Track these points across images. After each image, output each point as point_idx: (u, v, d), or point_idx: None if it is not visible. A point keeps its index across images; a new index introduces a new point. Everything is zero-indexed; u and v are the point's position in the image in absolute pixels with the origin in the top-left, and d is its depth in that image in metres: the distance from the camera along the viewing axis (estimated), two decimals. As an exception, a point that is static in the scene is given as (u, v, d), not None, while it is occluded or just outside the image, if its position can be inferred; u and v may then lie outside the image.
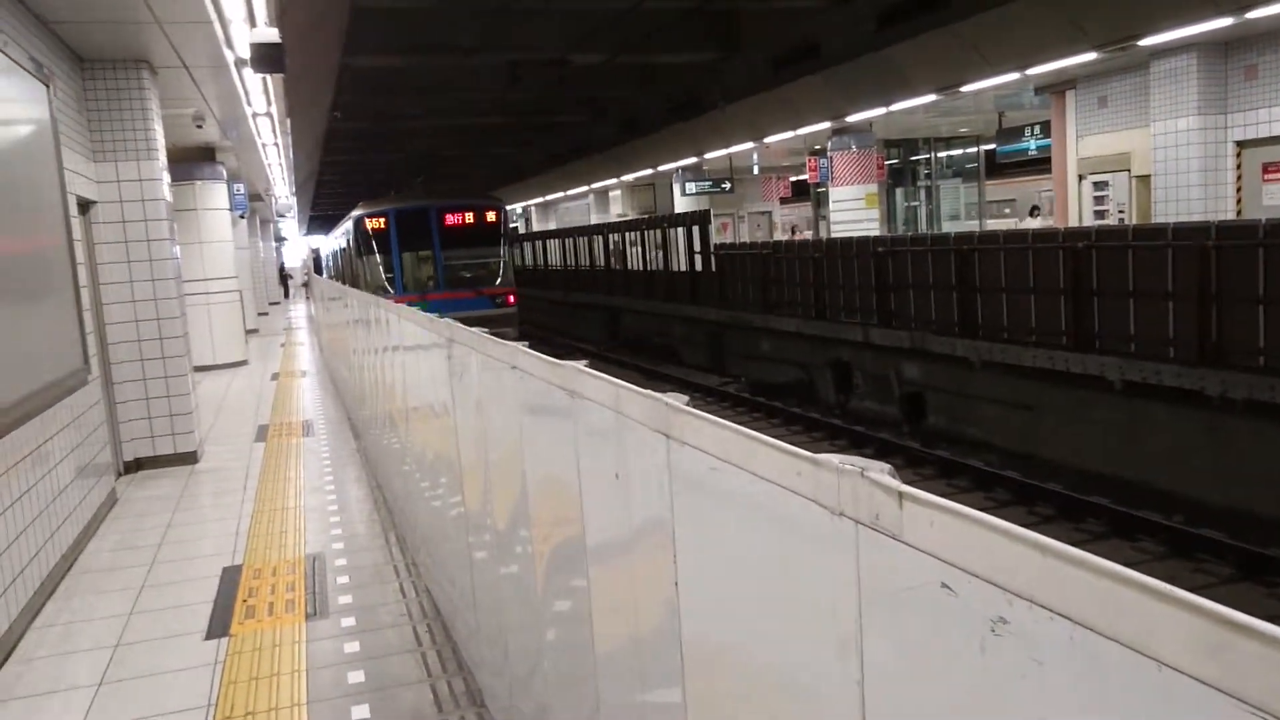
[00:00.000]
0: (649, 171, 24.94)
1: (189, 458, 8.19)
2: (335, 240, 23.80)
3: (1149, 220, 13.23)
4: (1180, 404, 7.39)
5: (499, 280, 16.55)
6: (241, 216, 18.66)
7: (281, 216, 34.77)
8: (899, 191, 23.44)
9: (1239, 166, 12.59)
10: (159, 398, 8.04)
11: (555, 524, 2.40)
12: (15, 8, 5.88)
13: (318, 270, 33.50)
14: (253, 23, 7.20)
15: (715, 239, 17.07)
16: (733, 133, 18.84)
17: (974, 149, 23.19)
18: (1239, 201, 12.66)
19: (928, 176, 23.51)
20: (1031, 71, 12.33)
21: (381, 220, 16.19)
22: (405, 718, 3.63)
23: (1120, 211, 14.39)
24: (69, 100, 7.10)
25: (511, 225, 46.78)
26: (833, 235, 17.64)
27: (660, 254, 18.27)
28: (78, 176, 6.99)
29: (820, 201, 23.09)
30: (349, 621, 4.57)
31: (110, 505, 6.93)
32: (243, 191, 17.74)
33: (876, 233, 17.09)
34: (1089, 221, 14.62)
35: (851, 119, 16.24)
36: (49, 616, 4.90)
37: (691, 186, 25.00)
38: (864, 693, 1.08)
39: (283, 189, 24.06)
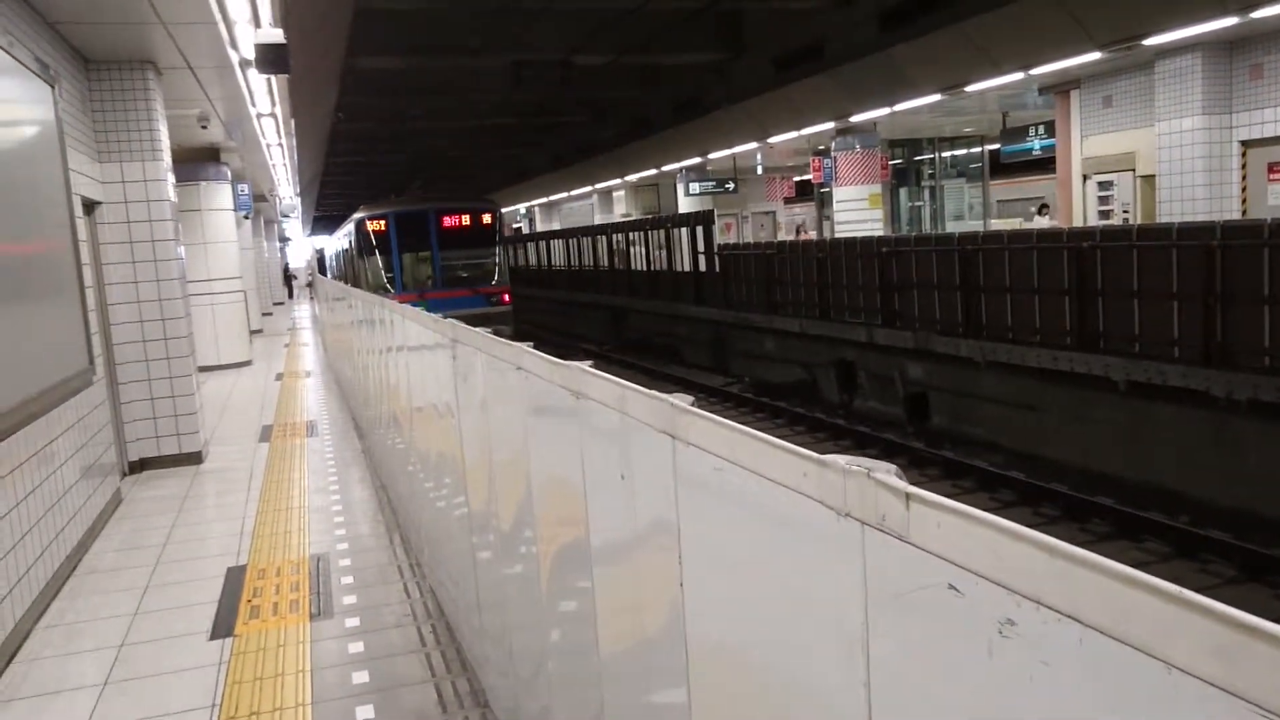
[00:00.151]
0: (653, 172, 24.95)
1: (194, 458, 8.20)
2: (338, 241, 24.65)
3: (1154, 220, 13.21)
4: (1185, 404, 7.37)
5: (494, 280, 17.22)
6: (246, 217, 18.68)
7: (286, 217, 34.84)
8: (903, 191, 23.42)
9: (1244, 166, 12.57)
10: (164, 398, 8.05)
11: (560, 524, 2.39)
12: (21, 9, 5.89)
13: (322, 270, 33.55)
14: (257, 24, 7.22)
15: (719, 239, 17.07)
16: (737, 133, 18.83)
17: (978, 149, 23.16)
18: (1244, 201, 12.63)
19: (932, 177, 23.48)
20: (1036, 71, 12.31)
21: (382, 222, 16.86)
22: (409, 718, 3.63)
23: (1125, 211, 14.37)
24: (74, 101, 7.11)
25: (516, 225, 47.04)
26: (837, 235, 17.63)
27: (664, 254, 18.27)
28: (83, 177, 7.00)
29: (824, 202, 23.08)
30: (353, 622, 4.57)
31: (115, 505, 6.94)
32: (247, 192, 17.76)
33: (880, 233, 17.07)
34: (1093, 221, 14.59)
35: (855, 119, 16.23)
36: (54, 616, 4.91)
37: (695, 187, 25.00)
38: (870, 694, 1.08)
39: (287, 189, 24.11)
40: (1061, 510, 7.73)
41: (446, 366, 3.64)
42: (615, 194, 32.04)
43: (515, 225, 48.27)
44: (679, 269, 17.67)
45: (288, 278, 42.85)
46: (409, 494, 5.59)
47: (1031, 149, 17.42)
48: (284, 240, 43.92)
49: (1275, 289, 6.82)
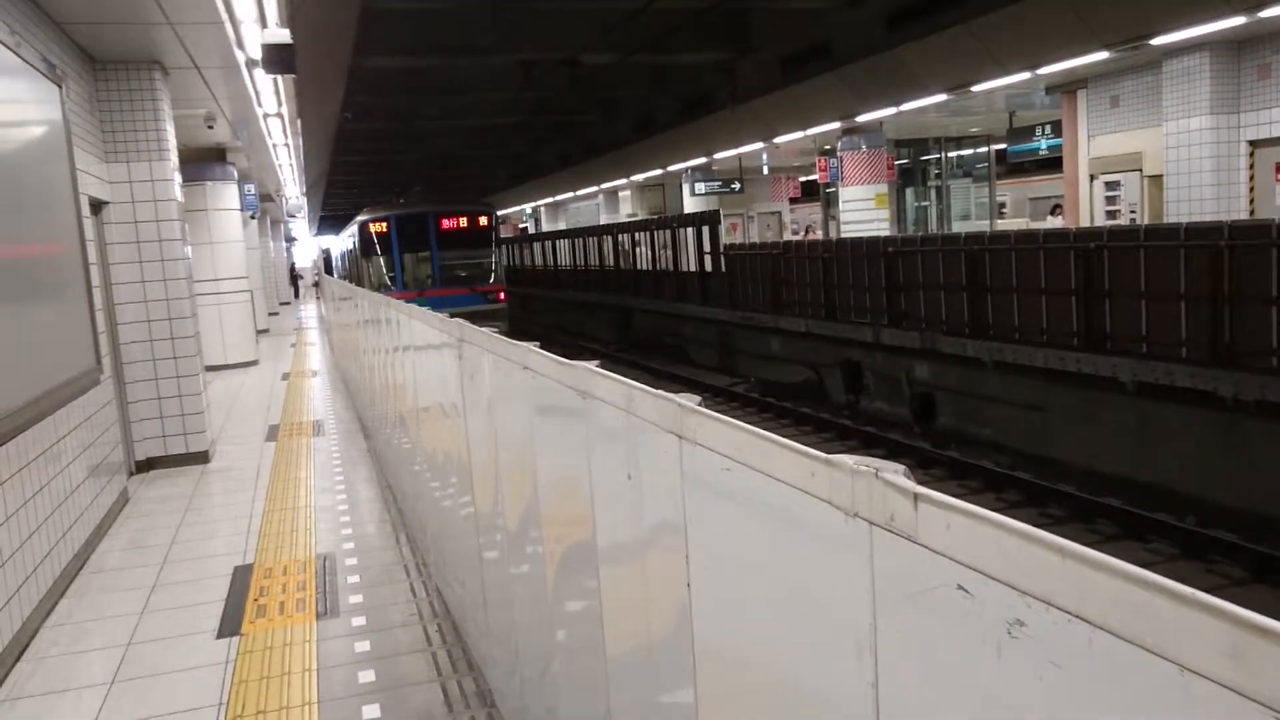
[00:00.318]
0: (659, 171, 24.94)
1: (200, 457, 8.22)
2: (343, 241, 25.34)
3: (1161, 220, 13.18)
4: (1193, 405, 7.35)
5: (491, 279, 18.14)
6: (252, 217, 18.75)
7: (292, 217, 34.90)
8: (909, 191, 23.39)
9: (1252, 166, 12.53)
10: (170, 397, 8.07)
11: (566, 524, 2.39)
12: (28, 9, 5.91)
13: (328, 270, 33.65)
14: (264, 24, 7.23)
15: (725, 239, 17.07)
16: (743, 132, 18.82)
17: (984, 149, 23.12)
18: (1252, 201, 12.59)
19: (938, 176, 23.45)
20: (1043, 71, 12.29)
21: (384, 224, 17.74)
22: (415, 717, 3.64)
23: (1132, 212, 14.33)
24: (81, 101, 7.13)
25: (522, 225, 47.09)
26: (843, 235, 17.61)
27: (670, 254, 18.28)
28: (90, 177, 7.02)
29: (830, 202, 23.05)
30: (359, 621, 4.58)
31: (122, 504, 6.96)
32: (254, 192, 17.82)
33: (887, 233, 17.05)
34: (1100, 222, 14.56)
35: (862, 119, 16.21)
36: (61, 615, 4.92)
37: (701, 187, 24.98)
38: (878, 695, 1.08)
39: (293, 189, 24.16)
40: (1068, 511, 7.70)
41: (453, 366, 3.64)
42: (621, 194, 32.03)
43: (522, 225, 48.31)
44: (685, 269, 17.67)
45: (294, 277, 42.93)
46: (415, 493, 5.59)
47: (1038, 149, 17.38)
48: (290, 240, 44.03)
49: (1283, 289, 6.79)
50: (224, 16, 6.76)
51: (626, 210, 31.49)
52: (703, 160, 22.51)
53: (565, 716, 2.57)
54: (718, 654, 1.55)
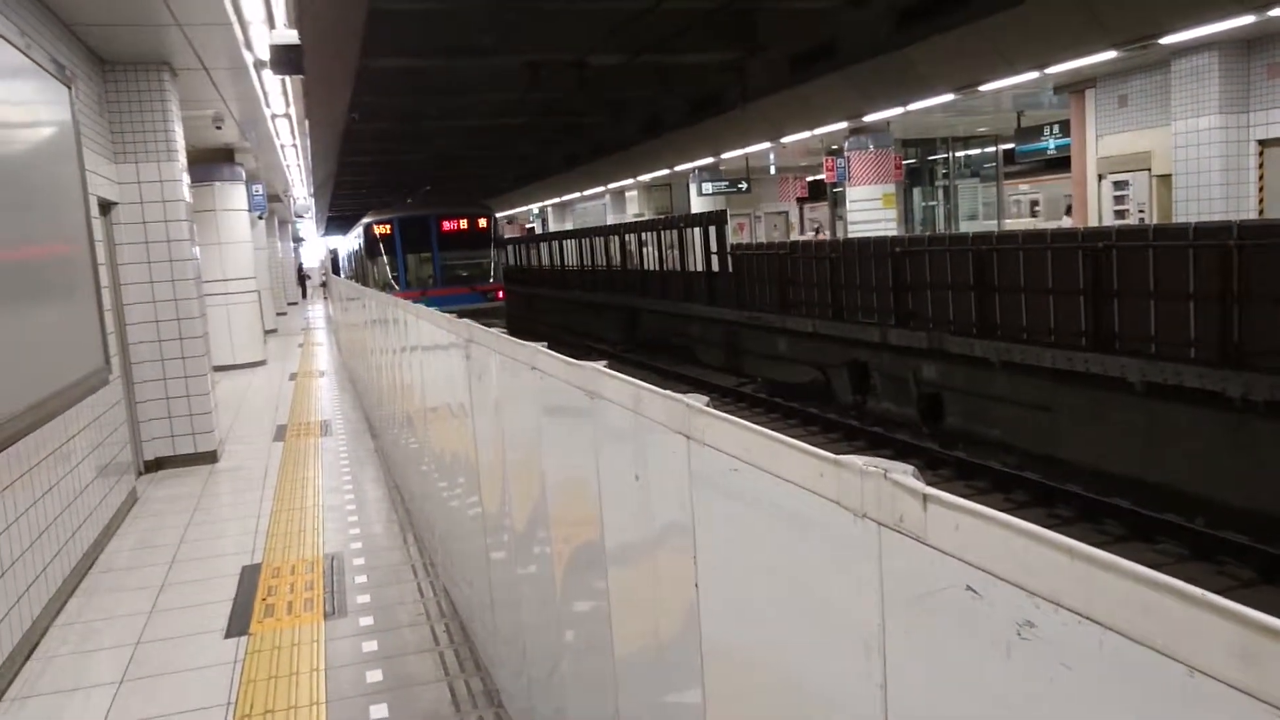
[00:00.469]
0: (665, 172, 24.93)
1: (208, 457, 8.25)
2: (349, 242, 25.81)
3: (1170, 220, 13.14)
4: (1202, 406, 7.33)
5: (490, 278, 18.82)
6: (260, 217, 18.79)
7: (300, 217, 34.94)
8: (916, 191, 23.35)
9: (1261, 165, 12.49)
10: (179, 397, 8.10)
11: (574, 524, 2.40)
12: (38, 10, 5.94)
13: (335, 270, 33.74)
14: (272, 25, 7.25)
15: (732, 239, 17.07)
16: (750, 132, 18.80)
17: (992, 148, 23.07)
18: (1261, 201, 12.55)
19: (945, 176, 23.41)
20: (1051, 70, 12.25)
21: (388, 226, 18.46)
22: (423, 717, 3.64)
23: (1140, 211, 14.29)
24: (90, 102, 7.16)
25: (529, 225, 47.15)
26: (850, 235, 17.59)
27: (677, 254, 18.29)
28: (99, 178, 7.05)
29: (837, 202, 23.02)
30: (367, 621, 4.59)
31: (131, 504, 6.99)
32: (261, 192, 17.86)
33: (894, 233, 17.02)
34: (1109, 221, 14.52)
35: (869, 118, 16.18)
36: (71, 614, 4.94)
37: (708, 186, 24.98)
38: (887, 696, 1.08)
39: (301, 190, 24.21)
40: (1076, 512, 7.69)
41: (460, 366, 3.64)
42: (628, 194, 32.05)
43: (529, 225, 48.36)
44: (692, 269, 17.68)
45: (302, 278, 43.03)
46: (422, 493, 5.60)
47: (1046, 148, 17.35)
48: (298, 240, 44.10)
49: (1293, 289, 6.77)
50: (232, 18, 6.77)
51: (633, 210, 31.51)
52: (710, 160, 22.50)
53: (573, 716, 2.57)
54: (726, 654, 1.55)
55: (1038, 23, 11.33)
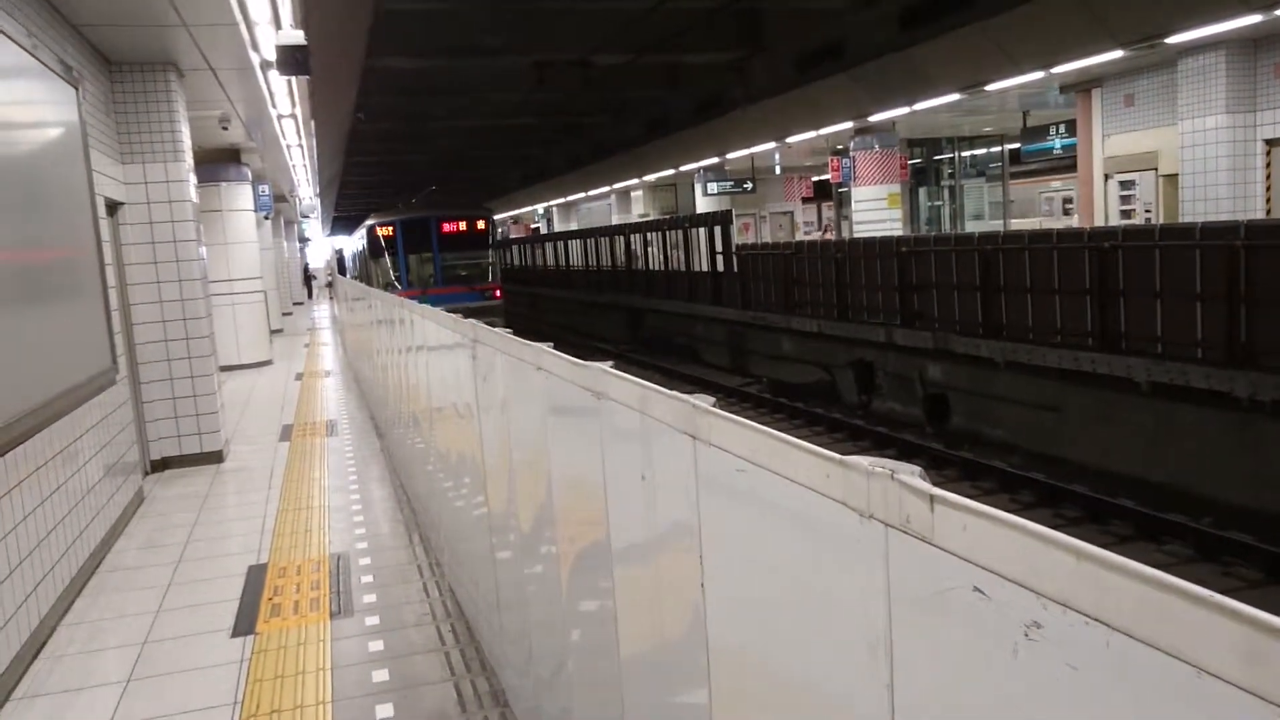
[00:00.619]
0: (671, 172, 24.93)
1: (215, 457, 8.26)
2: (354, 243, 26.12)
3: (1176, 220, 13.10)
4: (1208, 405, 7.31)
5: (489, 278, 19.59)
6: (266, 217, 18.86)
7: (305, 217, 35.02)
8: (922, 191, 23.33)
9: (1268, 165, 12.45)
10: (185, 397, 8.11)
11: (580, 525, 2.40)
12: (45, 11, 5.95)
13: (341, 270, 33.83)
14: (278, 25, 7.26)
15: (736, 239, 17.07)
16: (756, 132, 18.80)
17: (998, 148, 23.04)
18: (1268, 201, 12.51)
19: (951, 176, 23.38)
20: (1057, 70, 12.23)
21: (390, 228, 19.16)
22: (429, 717, 3.65)
23: (1147, 211, 14.26)
24: (97, 102, 7.17)
25: (534, 225, 47.20)
26: (855, 235, 17.57)
27: (682, 254, 18.30)
28: (105, 178, 7.06)
29: (843, 201, 23.01)
30: (373, 620, 4.60)
31: (137, 504, 7.00)
32: (267, 193, 17.91)
33: (899, 233, 17.00)
34: (1115, 221, 14.49)
35: (874, 118, 16.17)
36: (78, 613, 4.96)
37: (713, 186, 24.97)
38: (894, 697, 1.08)
39: (307, 190, 24.27)
40: (1082, 512, 7.67)
41: (467, 367, 3.65)
42: (633, 194, 32.03)
43: (534, 225, 48.38)
44: (697, 269, 17.67)
45: (307, 278, 43.09)
46: (428, 493, 5.61)
47: (1052, 148, 17.32)
48: (304, 240, 44.19)
49: (1300, 289, 6.75)
50: (239, 18, 6.79)
51: (639, 210, 31.50)
52: (715, 160, 22.49)
53: (579, 717, 2.58)
54: (732, 655, 1.55)
55: (1043, 23, 11.31)
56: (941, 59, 13.15)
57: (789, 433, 1.28)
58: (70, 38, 6.54)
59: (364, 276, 20.61)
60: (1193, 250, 7.54)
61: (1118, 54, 11.18)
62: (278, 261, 24.13)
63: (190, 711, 3.79)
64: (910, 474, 1.03)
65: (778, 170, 28.33)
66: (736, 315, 15.37)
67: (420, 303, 5.40)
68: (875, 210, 17.76)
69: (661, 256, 19.43)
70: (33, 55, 5.14)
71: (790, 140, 18.44)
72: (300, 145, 14.79)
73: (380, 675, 4.00)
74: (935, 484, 0.99)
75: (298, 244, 39.70)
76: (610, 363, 2.07)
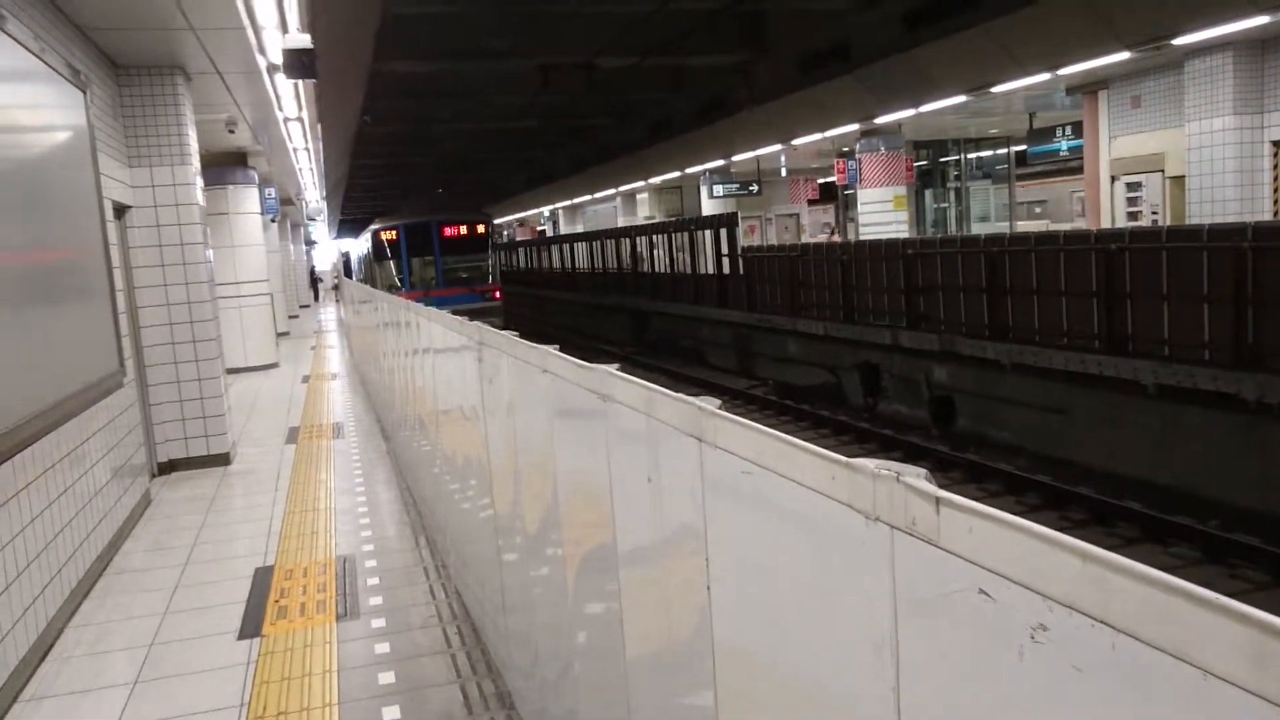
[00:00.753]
0: (676, 174, 24.94)
1: (221, 459, 8.28)
2: (359, 247, 26.58)
3: (1183, 222, 13.07)
4: (1215, 408, 7.29)
5: (488, 280, 20.39)
6: (273, 220, 18.93)
7: (312, 220, 35.08)
8: (928, 193, 23.31)
9: (1276, 167, 12.41)
10: (192, 400, 8.14)
11: (586, 527, 2.40)
12: (53, 15, 5.98)
13: (347, 273, 33.92)
14: (285, 29, 7.28)
15: (742, 241, 17.07)
16: (761, 135, 18.79)
17: (1004, 150, 23.00)
18: (1276, 202, 12.47)
19: (957, 178, 23.35)
20: (1063, 72, 12.21)
21: (394, 232, 20.04)
22: (435, 719, 3.65)
23: (1154, 213, 14.23)
24: (105, 106, 7.20)
25: (540, 228, 47.29)
26: (861, 237, 17.56)
27: (687, 257, 18.30)
28: (113, 181, 7.09)
29: (848, 204, 22.99)
30: (379, 623, 4.60)
31: (145, 506, 7.02)
32: (274, 196, 17.95)
33: (905, 235, 16.98)
34: (1121, 223, 14.46)
35: (880, 120, 16.15)
36: (85, 616, 4.97)
37: (719, 189, 24.97)
38: (899, 699, 1.08)
39: (313, 193, 24.34)
40: (1089, 514, 7.65)
41: (472, 369, 3.65)
42: (639, 196, 32.05)
43: (540, 228, 48.42)
44: (703, 271, 17.67)
45: (314, 280, 43.18)
46: (434, 495, 5.62)
47: (1058, 150, 17.29)
48: (310, 243, 44.28)
49: (1308, 291, 6.73)
50: (246, 22, 6.81)
51: (644, 213, 31.51)
52: (720, 162, 22.50)
53: (585, 719, 2.58)
54: (738, 657, 1.55)
55: (1049, 24, 11.29)
56: (946, 61, 13.13)
57: (795, 435, 1.28)
58: (78, 42, 6.56)
59: (369, 279, 21.28)
60: (1200, 252, 7.52)
61: (1124, 55, 11.15)
62: (284, 264, 24.20)
63: (197, 714, 3.80)
64: (916, 476, 1.03)
65: (783, 172, 28.33)
66: (742, 317, 15.36)
67: (423, 304, 5.50)
68: (881, 212, 17.75)
69: (667, 259, 19.43)
70: (41, 59, 5.17)
71: (795, 142, 18.43)
72: (307, 148, 14.83)
73: (387, 677, 4.00)
74: (941, 486, 1.00)
75: (304, 247, 39.78)
76: (616, 365, 2.07)
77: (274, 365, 15.31)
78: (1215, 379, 7.20)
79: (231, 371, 11.83)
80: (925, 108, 14.57)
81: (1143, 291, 8.01)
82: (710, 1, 12.44)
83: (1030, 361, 9.02)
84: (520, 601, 3.30)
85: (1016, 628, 0.87)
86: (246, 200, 14.72)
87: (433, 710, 3.71)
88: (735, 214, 17.24)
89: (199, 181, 8.26)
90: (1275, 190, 12.44)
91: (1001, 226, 22.51)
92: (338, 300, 33.81)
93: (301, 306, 32.58)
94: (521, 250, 37.53)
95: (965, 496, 0.96)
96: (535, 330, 23.00)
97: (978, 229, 22.65)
